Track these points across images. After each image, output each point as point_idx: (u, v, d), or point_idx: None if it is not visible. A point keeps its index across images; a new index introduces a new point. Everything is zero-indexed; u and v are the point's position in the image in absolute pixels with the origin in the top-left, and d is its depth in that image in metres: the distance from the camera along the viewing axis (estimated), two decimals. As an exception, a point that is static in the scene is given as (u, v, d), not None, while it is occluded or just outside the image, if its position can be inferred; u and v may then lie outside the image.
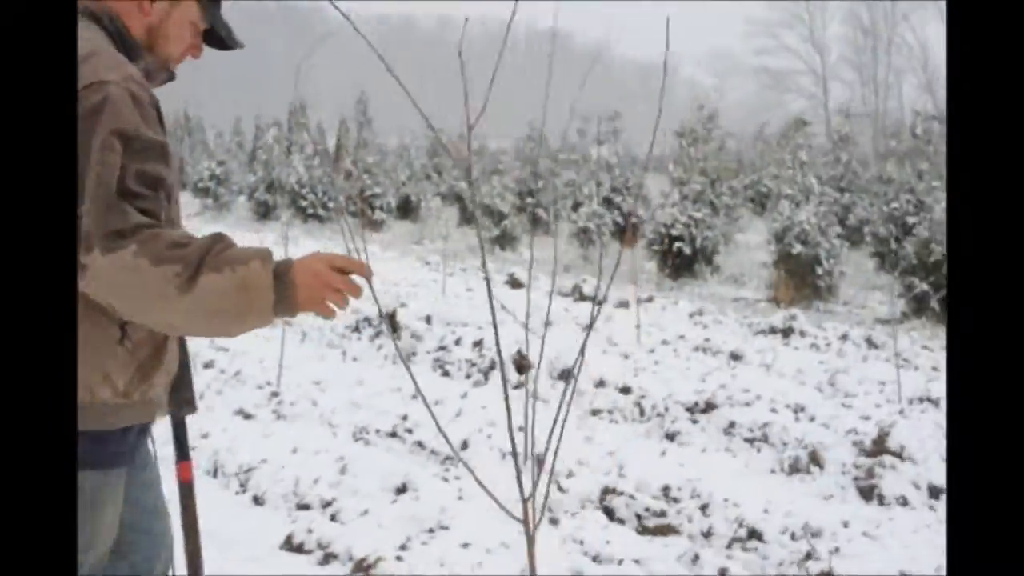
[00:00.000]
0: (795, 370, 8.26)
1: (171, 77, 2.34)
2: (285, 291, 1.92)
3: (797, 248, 12.75)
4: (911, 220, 13.17)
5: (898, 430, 5.73)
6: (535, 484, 2.10)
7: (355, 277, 2.01)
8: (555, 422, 2.05)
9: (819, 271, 12.71)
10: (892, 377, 7.52)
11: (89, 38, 2.05)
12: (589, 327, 2.12)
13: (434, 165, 36.79)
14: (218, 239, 1.93)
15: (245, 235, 18.25)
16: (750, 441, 6.07)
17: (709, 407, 6.58)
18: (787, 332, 10.00)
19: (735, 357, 8.67)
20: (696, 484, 5.33)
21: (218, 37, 2.37)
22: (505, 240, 20.15)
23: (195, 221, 21.81)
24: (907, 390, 7.46)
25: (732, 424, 6.27)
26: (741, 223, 20.92)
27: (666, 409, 6.62)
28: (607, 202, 20.22)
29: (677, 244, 14.22)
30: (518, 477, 2.10)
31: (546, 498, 1.65)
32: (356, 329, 9.11)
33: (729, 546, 4.64)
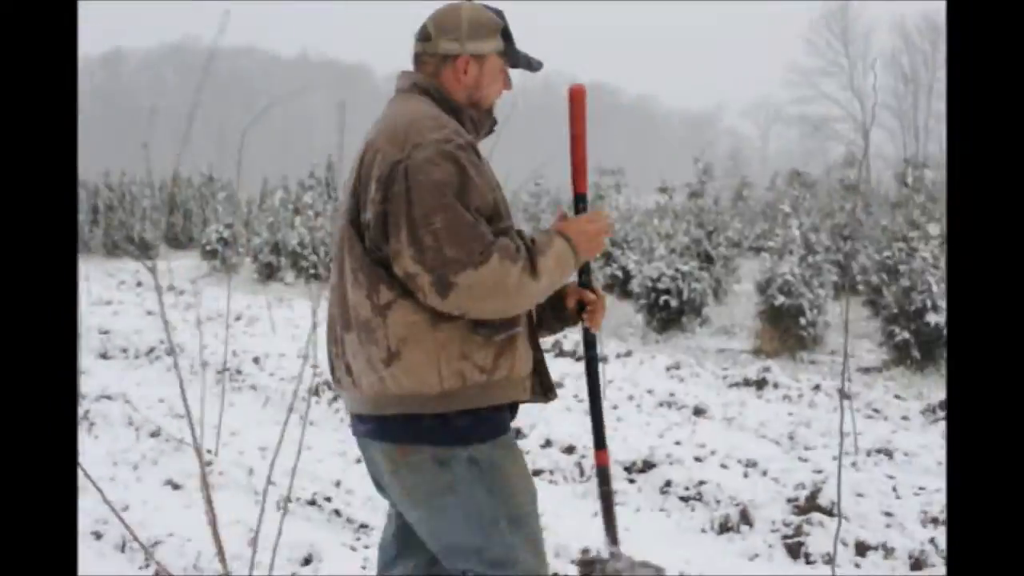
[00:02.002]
0: (758, 423, 8.05)
1: (494, 123, 2.83)
2: (575, 251, 2.58)
3: (780, 299, 12.54)
4: (902, 268, 12.87)
5: (831, 487, 5.54)
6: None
7: None
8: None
9: (803, 322, 12.47)
10: (858, 428, 7.29)
11: (416, 107, 2.59)
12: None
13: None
14: (520, 234, 2.55)
15: (245, 297, 18.21)
16: (685, 500, 5.88)
17: (647, 466, 6.39)
18: (760, 384, 9.76)
19: (698, 412, 8.47)
20: (620, 546, 5.14)
21: (524, 65, 2.84)
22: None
23: (200, 284, 21.77)
24: (867, 441, 7.25)
25: (668, 483, 6.08)
26: (740, 273, 20.51)
27: (606, 468, 6.42)
28: (605, 256, 19.91)
29: (664, 297, 13.99)
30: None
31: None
32: (316, 392, 8.97)
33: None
